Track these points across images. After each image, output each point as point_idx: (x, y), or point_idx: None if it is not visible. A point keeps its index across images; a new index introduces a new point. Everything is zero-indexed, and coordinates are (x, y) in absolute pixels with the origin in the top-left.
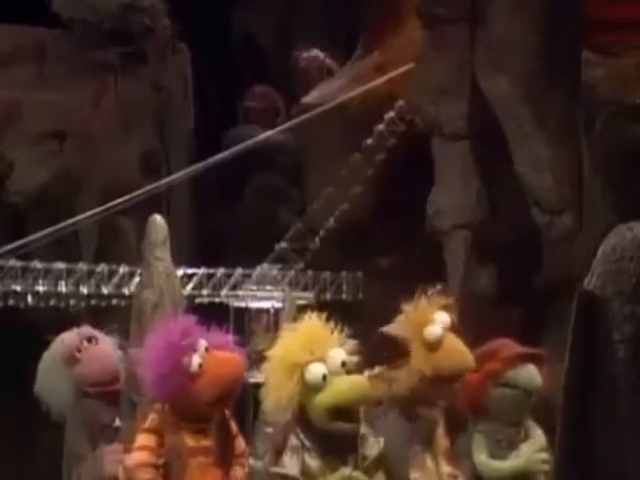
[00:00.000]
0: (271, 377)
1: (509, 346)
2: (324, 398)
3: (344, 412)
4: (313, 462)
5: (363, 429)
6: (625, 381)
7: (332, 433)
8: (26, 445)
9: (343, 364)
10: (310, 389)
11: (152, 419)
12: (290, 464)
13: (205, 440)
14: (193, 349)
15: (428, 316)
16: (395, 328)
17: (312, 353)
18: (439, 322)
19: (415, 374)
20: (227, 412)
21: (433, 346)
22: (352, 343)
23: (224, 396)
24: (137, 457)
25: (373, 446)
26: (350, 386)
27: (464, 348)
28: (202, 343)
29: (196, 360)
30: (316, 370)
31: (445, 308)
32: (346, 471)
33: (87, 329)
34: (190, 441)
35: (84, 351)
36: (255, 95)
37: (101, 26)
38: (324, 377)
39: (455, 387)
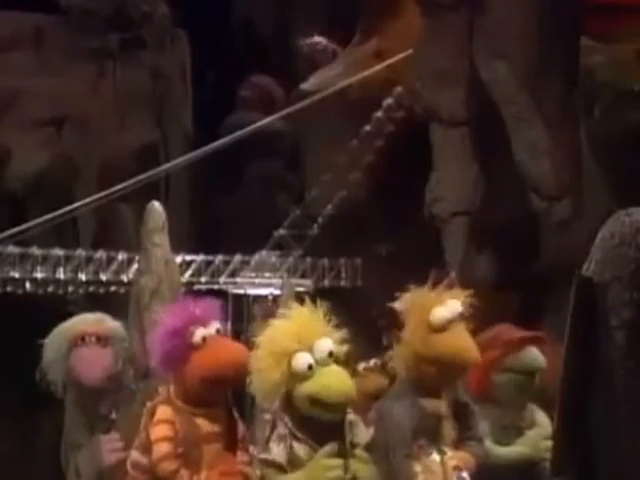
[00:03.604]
0: (259, 364)
1: (509, 331)
2: (308, 387)
3: (326, 404)
4: (301, 449)
5: (352, 416)
6: (622, 367)
7: (315, 420)
8: (26, 429)
9: (330, 354)
10: (296, 377)
11: (163, 410)
12: (277, 451)
13: (216, 426)
14: (203, 323)
15: (438, 298)
16: (399, 303)
17: (300, 342)
18: (449, 307)
19: (408, 348)
20: (228, 397)
21: (436, 328)
22: (341, 332)
23: (220, 378)
24: (160, 449)
25: (363, 433)
26: (334, 382)
27: (470, 343)
28: (215, 325)
29: (200, 332)
30: (302, 359)
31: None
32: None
33: (95, 325)
34: (204, 428)
35: (85, 346)
36: (251, 85)
37: (100, 12)
38: (310, 367)
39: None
